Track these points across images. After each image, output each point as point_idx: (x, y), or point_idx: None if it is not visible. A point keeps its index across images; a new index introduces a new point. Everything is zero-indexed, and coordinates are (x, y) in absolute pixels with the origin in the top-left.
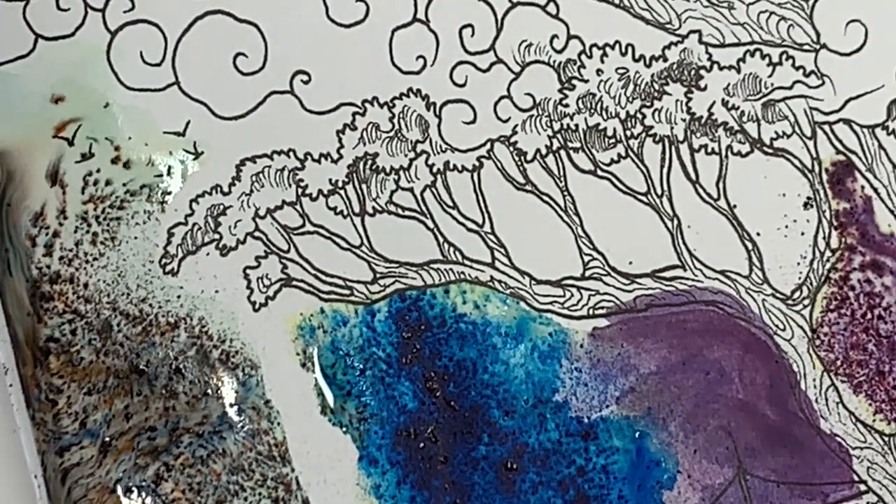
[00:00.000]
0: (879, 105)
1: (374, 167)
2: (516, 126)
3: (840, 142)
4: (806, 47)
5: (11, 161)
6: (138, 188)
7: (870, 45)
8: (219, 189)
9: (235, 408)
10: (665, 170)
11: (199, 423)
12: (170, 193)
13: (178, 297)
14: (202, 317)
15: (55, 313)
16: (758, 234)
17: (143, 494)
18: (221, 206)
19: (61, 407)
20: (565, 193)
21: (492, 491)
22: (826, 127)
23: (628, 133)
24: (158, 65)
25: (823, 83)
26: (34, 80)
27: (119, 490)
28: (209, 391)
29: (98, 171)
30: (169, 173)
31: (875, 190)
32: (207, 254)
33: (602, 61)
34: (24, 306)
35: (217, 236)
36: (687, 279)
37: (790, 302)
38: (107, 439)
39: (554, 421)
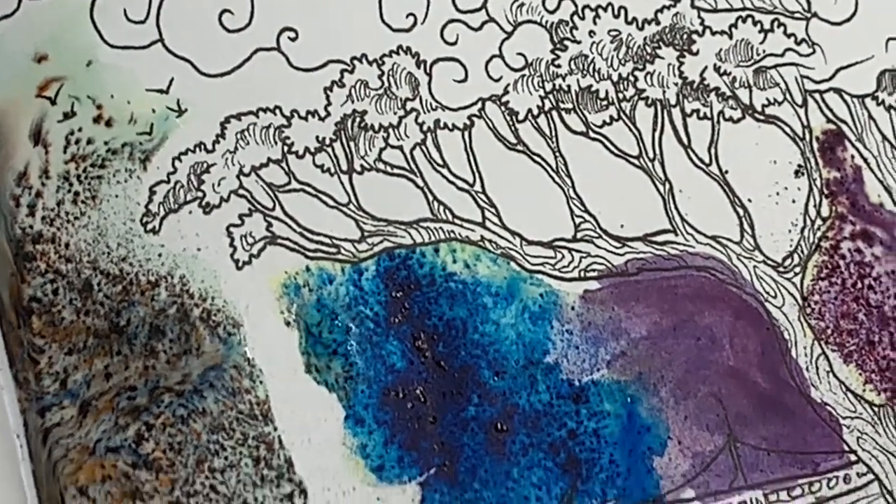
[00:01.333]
0: (869, 75)
1: (362, 125)
2: (508, 86)
3: (830, 110)
4: (797, 15)
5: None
6: (120, 146)
7: (860, 15)
8: (202, 147)
9: (216, 366)
10: (657, 133)
11: (179, 382)
12: (152, 152)
13: (160, 255)
14: (183, 275)
15: (37, 273)
16: (749, 200)
17: (124, 455)
18: (205, 164)
19: (43, 367)
20: (557, 154)
21: (481, 452)
22: (817, 95)
23: (620, 95)
24: (142, 22)
25: (814, 52)
26: (17, 39)
27: (99, 450)
28: (190, 350)
29: (80, 129)
30: (151, 131)
31: (865, 160)
32: (190, 212)
33: (594, 23)
34: (9, 266)
35: (200, 194)
36: (678, 244)
37: (781, 269)
38: (87, 399)
39: (545, 383)
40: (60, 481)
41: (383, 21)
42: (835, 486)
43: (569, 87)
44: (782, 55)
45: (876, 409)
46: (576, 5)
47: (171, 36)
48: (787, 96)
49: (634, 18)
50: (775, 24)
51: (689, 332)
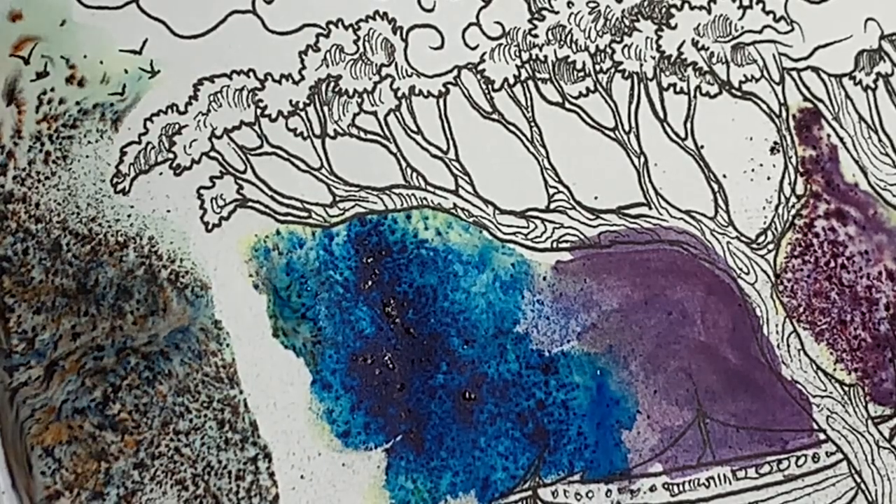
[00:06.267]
0: (847, 55)
1: (336, 89)
2: (484, 54)
3: (808, 89)
4: None
5: None
6: (92, 107)
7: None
8: (175, 108)
9: (183, 328)
10: (633, 106)
11: (146, 344)
12: (124, 112)
13: (129, 216)
14: (152, 236)
15: (8, 233)
16: (724, 176)
17: (90, 416)
18: (177, 126)
19: (11, 326)
20: (532, 124)
21: (449, 420)
22: (794, 73)
23: (597, 67)
24: None
25: (793, 29)
26: None
27: (65, 411)
28: (157, 311)
29: (52, 90)
30: (123, 92)
31: (841, 139)
32: (160, 173)
33: None
34: None
35: (171, 156)
36: (652, 217)
37: (755, 246)
38: (54, 360)
39: (514, 352)
40: (26, 441)
41: None
42: (803, 464)
43: (545, 57)
44: (760, 32)
45: (846, 388)
46: None
47: None
48: (765, 73)
49: None
50: (750, 4)
51: (661, 306)
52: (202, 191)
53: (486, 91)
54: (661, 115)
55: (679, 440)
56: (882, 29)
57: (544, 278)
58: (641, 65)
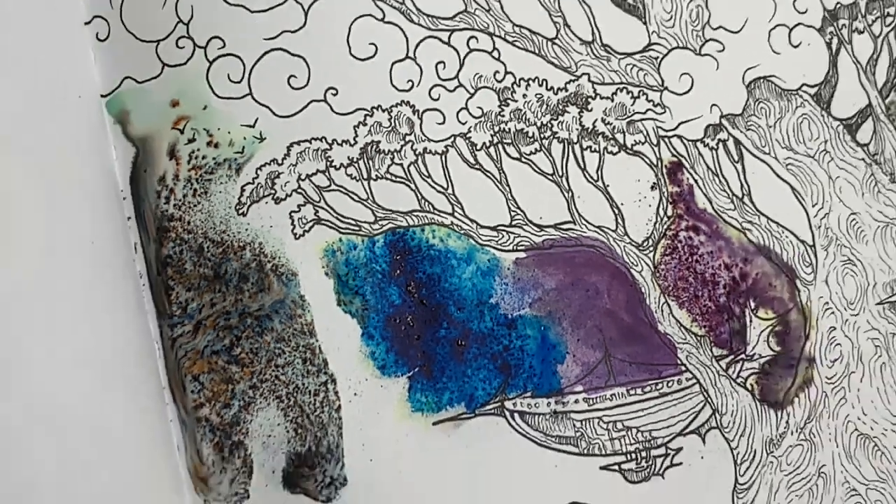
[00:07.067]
0: (699, 127)
1: (377, 150)
2: (471, 127)
3: (674, 149)
4: (655, 88)
5: (146, 143)
6: (223, 161)
7: (695, 90)
8: (275, 161)
9: (281, 300)
10: (565, 160)
11: (257, 310)
12: (242, 164)
13: (246, 230)
14: (261, 242)
15: (170, 240)
16: (622, 204)
17: (222, 355)
18: (276, 173)
19: (172, 299)
20: (501, 172)
21: (447, 358)
22: (666, 139)
23: (542, 136)
24: (239, 82)
25: (665, 112)
26: (160, 91)
27: (206, 353)
28: (264, 289)
29: (198, 150)
30: (243, 151)
31: (695, 181)
32: (266, 202)
33: (526, 89)
34: (153, 236)
35: (272, 192)
36: (577, 230)
37: (641, 248)
38: (199, 320)
39: (489, 315)
40: (181, 372)
41: (392, 84)
42: (672, 385)
43: (509, 129)
44: (645, 113)
45: (699, 338)
46: (515, 77)
47: (257, 91)
48: (648, 139)
49: (552, 87)
50: (641, 93)
51: (582, 286)
52: (292, 213)
53: (472, 151)
54: (582, 165)
55: (593, 371)
56: (721, 111)
57: (508, 269)
58: (570, 134)
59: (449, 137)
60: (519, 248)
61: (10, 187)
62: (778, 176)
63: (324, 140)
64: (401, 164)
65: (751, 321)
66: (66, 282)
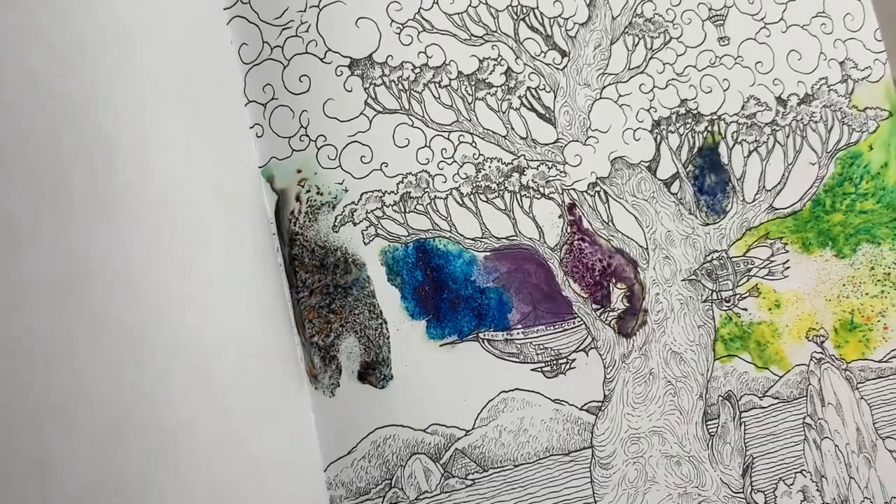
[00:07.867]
0: (585, 183)
1: (409, 196)
2: (460, 184)
3: (571, 196)
4: (560, 163)
5: (283, 193)
6: (325, 202)
7: (582, 164)
8: (353, 203)
9: (357, 279)
10: (514, 204)
11: (344, 284)
12: (335, 204)
13: (338, 240)
14: (346, 247)
15: (296, 245)
16: (543, 225)
17: (324, 309)
18: (354, 208)
19: (297, 278)
20: (477, 209)
21: (448, 310)
22: (567, 190)
23: (499, 189)
24: (334, 159)
25: (566, 175)
26: (290, 165)
27: (315, 307)
28: (349, 272)
29: (312, 196)
30: (336, 197)
31: (583, 213)
32: (348, 225)
33: (490, 163)
34: (286, 243)
35: (352, 219)
36: (518, 240)
37: (553, 249)
38: (313, 289)
39: (471, 287)
40: (302, 317)
41: (417, 160)
42: (570, 326)
43: (481, 185)
44: (555, 176)
45: (584, 299)
46: (484, 157)
47: (345, 164)
48: (557, 190)
49: (505, 162)
50: (553, 165)
51: (521, 271)
52: (363, 231)
53: (460, 197)
54: (521, 205)
55: (527, 317)
56: (597, 175)
57: (481, 261)
58: (515, 188)
59: (448, 190)
60: (487, 250)
61: (209, 217)
62: (628, 211)
63: (380, 191)
64: (422, 204)
65: (613, 290)
66: (241, 269)
